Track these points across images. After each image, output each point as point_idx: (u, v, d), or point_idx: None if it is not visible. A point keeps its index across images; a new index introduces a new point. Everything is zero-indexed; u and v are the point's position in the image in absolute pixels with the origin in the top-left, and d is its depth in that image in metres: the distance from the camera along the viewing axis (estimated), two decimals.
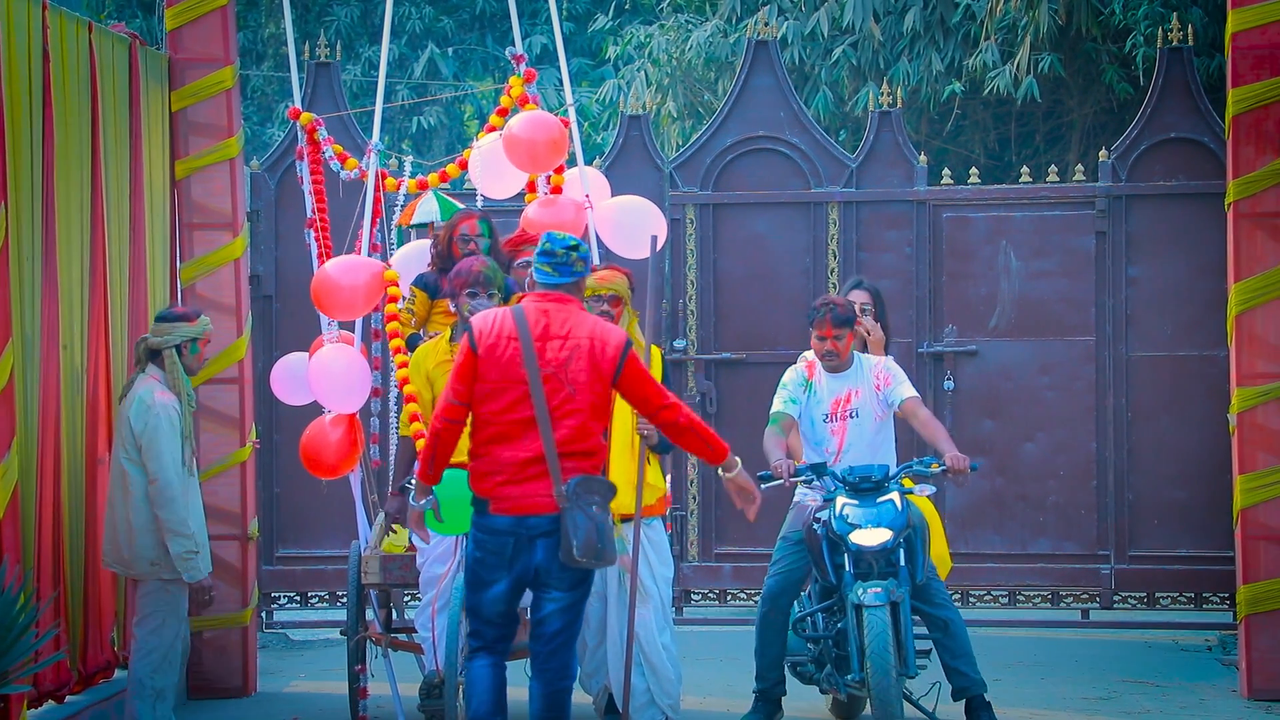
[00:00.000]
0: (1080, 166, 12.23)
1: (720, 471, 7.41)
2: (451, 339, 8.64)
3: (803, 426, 8.97)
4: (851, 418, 8.88)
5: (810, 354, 9.03)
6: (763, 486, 8.42)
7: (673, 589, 8.79)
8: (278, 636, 11.73)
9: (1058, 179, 11.95)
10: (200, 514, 8.56)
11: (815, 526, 8.65)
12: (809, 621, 8.79)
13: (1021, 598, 11.67)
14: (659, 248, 8.73)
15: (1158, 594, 11.55)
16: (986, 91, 15.00)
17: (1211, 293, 11.30)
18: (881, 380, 8.92)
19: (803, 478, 8.68)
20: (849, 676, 8.49)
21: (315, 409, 9.24)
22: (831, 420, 8.91)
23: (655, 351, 8.47)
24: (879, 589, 8.33)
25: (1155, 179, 11.66)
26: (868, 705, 8.65)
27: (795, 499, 9.08)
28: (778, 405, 8.94)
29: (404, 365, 8.71)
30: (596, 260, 9.38)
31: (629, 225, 9.28)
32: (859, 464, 8.67)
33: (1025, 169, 12.33)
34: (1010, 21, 14.93)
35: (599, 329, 7.11)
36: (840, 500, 8.53)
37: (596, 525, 6.93)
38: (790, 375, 9.01)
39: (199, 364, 8.67)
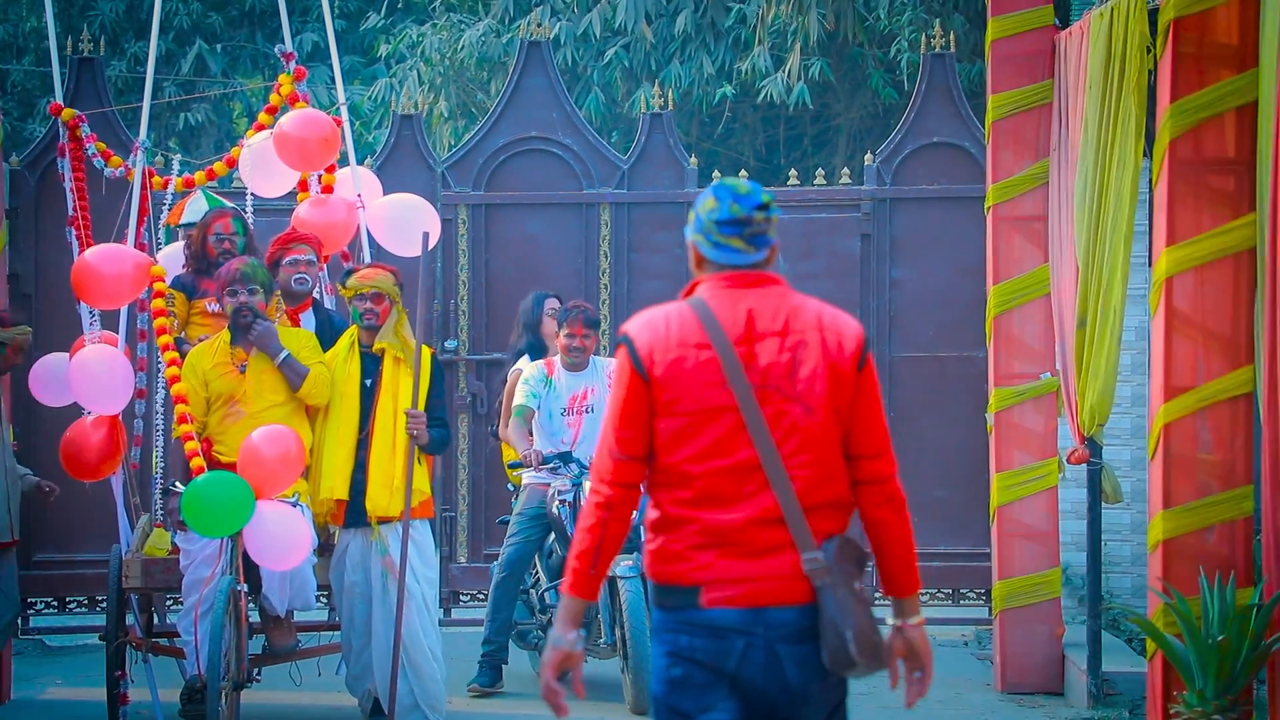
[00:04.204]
0: (846, 170, 12.42)
1: (896, 617, 4.87)
2: (233, 342, 8.55)
3: (540, 418, 9.72)
4: (587, 413, 9.70)
5: (524, 361, 10.01)
6: (517, 473, 9.76)
7: (440, 590, 8.88)
8: (33, 643, 11.48)
9: (824, 182, 12.14)
10: None
11: (559, 507, 9.44)
12: (537, 594, 9.76)
13: None
14: (431, 245, 8.74)
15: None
16: (760, 99, 15.18)
17: (972, 294, 11.52)
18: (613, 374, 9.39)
19: (551, 464, 9.49)
20: (603, 642, 9.33)
21: (75, 410, 9.06)
22: (569, 414, 9.73)
23: (426, 351, 8.50)
24: (630, 561, 9.13)
25: (918, 183, 11.88)
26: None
27: (525, 481, 9.83)
28: (520, 399, 9.74)
29: (174, 363, 8.59)
30: (367, 258, 9.36)
31: (402, 222, 9.26)
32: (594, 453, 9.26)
33: (793, 172, 12.49)
34: (780, 26, 15.12)
35: (829, 316, 4.82)
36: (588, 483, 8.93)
37: (868, 609, 4.71)
38: (532, 371, 9.82)
39: (4, 365, 9.15)
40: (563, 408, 9.73)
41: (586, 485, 9.01)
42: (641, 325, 4.78)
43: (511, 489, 10.24)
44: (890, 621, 4.83)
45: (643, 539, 9.11)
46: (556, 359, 9.83)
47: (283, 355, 8.47)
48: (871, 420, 4.77)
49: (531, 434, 9.71)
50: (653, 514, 4.77)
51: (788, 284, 4.85)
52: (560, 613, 4.77)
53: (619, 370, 4.79)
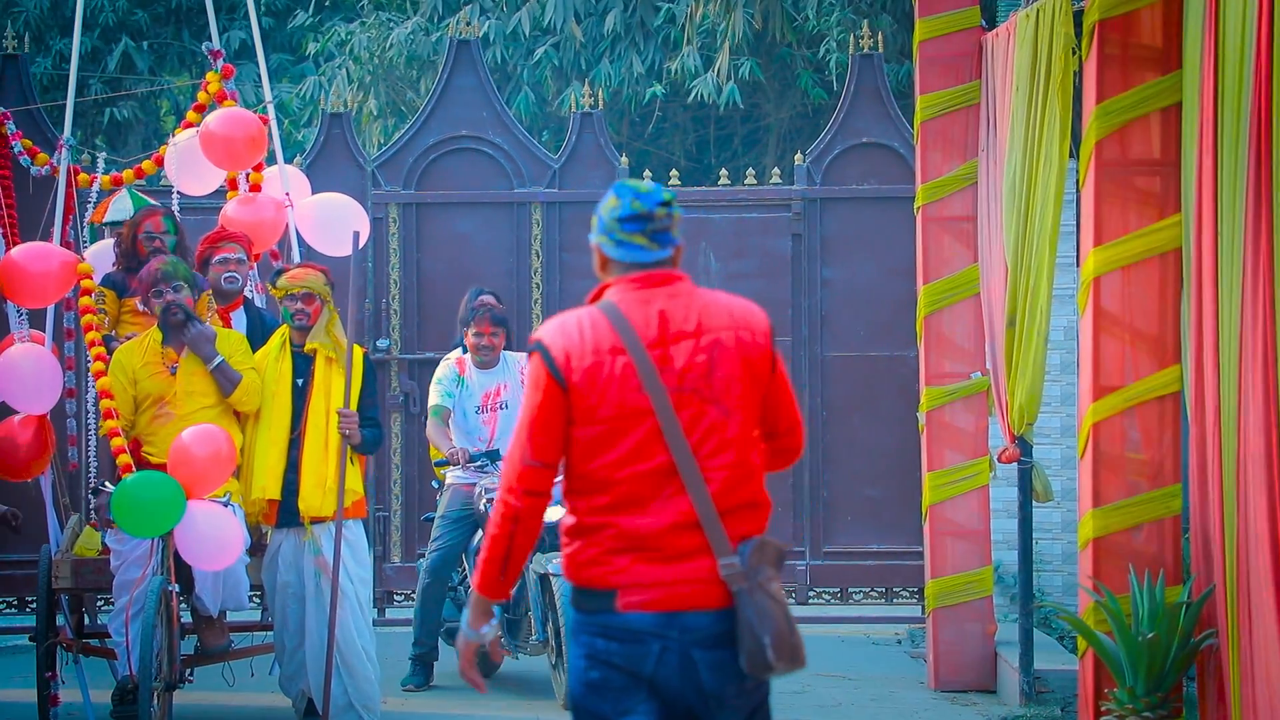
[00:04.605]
0: (777, 170, 12.46)
1: None
2: (164, 341, 8.50)
3: (456, 417, 9.80)
4: (501, 409, 9.79)
5: (456, 355, 9.95)
6: (444, 471, 9.79)
7: (373, 590, 8.87)
8: None
9: (755, 182, 12.18)
10: None
11: (486, 505, 9.43)
12: (465, 591, 9.78)
13: None
14: (361, 245, 8.72)
15: (851, 589, 11.83)
16: (690, 98, 15.21)
17: (902, 294, 11.58)
18: (526, 375, 9.40)
19: (478, 462, 9.55)
20: (534, 638, 9.35)
21: (4, 410, 8.98)
22: (483, 412, 9.82)
23: (358, 351, 8.50)
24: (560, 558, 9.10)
25: (848, 183, 11.94)
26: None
27: (449, 482, 9.84)
28: (435, 399, 9.83)
29: (100, 359, 8.54)
30: (297, 257, 9.32)
31: (331, 222, 9.24)
32: None
33: (724, 171, 12.52)
34: (710, 25, 15.15)
35: (739, 310, 4.80)
36: None
37: (785, 611, 4.67)
38: (443, 371, 9.90)
39: None
40: (476, 405, 9.83)
41: None
42: (554, 331, 4.73)
43: (437, 485, 10.23)
44: None
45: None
46: (467, 357, 9.89)
47: (216, 361, 8.43)
48: (785, 402, 4.83)
49: (450, 430, 9.80)
50: (568, 520, 4.74)
51: (691, 281, 4.81)
52: (471, 608, 4.78)
53: (533, 378, 4.73)
